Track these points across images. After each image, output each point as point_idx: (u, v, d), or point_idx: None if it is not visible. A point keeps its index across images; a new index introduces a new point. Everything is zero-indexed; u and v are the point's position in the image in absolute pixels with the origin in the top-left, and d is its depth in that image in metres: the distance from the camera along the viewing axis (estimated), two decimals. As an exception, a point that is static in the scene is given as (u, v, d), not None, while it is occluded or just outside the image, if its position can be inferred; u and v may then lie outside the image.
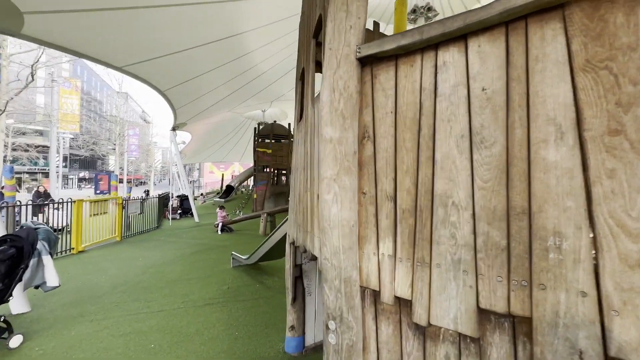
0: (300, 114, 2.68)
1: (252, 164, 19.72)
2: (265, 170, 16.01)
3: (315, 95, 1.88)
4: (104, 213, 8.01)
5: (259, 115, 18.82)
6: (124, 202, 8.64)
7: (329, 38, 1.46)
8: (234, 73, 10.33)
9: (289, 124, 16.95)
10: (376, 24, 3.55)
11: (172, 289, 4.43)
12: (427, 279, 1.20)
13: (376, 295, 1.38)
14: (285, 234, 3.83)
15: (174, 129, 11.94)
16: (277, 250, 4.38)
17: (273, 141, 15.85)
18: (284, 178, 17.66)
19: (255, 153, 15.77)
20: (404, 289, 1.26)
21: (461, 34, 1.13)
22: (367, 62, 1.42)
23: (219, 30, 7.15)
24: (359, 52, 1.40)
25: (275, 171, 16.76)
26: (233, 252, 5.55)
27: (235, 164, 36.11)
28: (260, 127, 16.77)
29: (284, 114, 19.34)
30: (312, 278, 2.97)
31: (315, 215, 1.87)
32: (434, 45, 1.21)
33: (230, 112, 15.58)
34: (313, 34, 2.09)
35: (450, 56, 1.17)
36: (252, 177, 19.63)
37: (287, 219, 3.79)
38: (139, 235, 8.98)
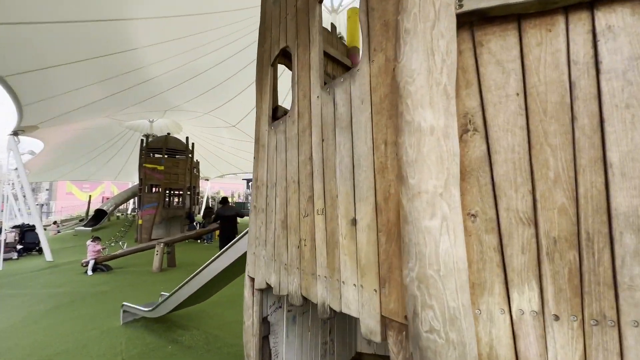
0: (274, 113, 2.00)
1: (131, 184, 16.38)
2: (154, 190, 13.40)
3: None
4: None
5: (144, 125, 15.98)
6: None
7: (418, -24, 0.95)
8: (114, 71, 8.33)
9: (187, 138, 14.94)
10: (334, 27, 3.22)
11: (17, 382, 2.72)
12: (615, 346, 0.77)
13: (506, 377, 0.87)
14: (224, 269, 2.90)
15: (16, 134, 8.61)
16: (205, 291, 3.33)
17: (166, 156, 13.56)
18: (177, 200, 15.22)
19: (141, 170, 13.07)
20: (570, 365, 0.80)
21: (635, -10, 0.82)
22: (464, 24, 0.98)
23: (92, 7, 5.56)
24: (461, 5, 0.94)
25: (168, 191, 14.29)
26: (125, 303, 3.99)
27: (106, 183, 29.45)
28: (149, 139, 14.17)
29: (178, 126, 17.01)
30: (278, 333, 2.19)
31: (345, 251, 1.25)
32: (586, 3, 0.87)
33: (108, 118, 12.60)
34: (319, -3, 1.53)
35: (619, 19, 0.84)
36: (136, 199, 16.23)
37: (230, 246, 2.86)
38: (-61, 292, 5.74)
